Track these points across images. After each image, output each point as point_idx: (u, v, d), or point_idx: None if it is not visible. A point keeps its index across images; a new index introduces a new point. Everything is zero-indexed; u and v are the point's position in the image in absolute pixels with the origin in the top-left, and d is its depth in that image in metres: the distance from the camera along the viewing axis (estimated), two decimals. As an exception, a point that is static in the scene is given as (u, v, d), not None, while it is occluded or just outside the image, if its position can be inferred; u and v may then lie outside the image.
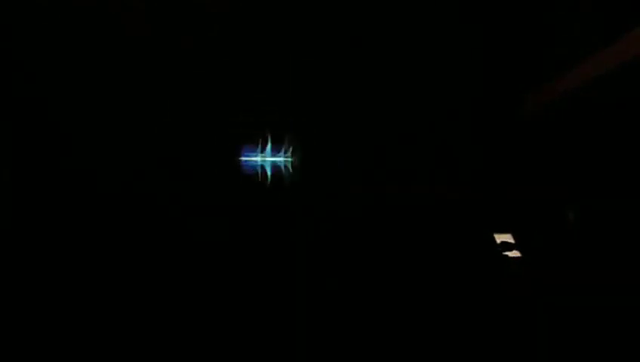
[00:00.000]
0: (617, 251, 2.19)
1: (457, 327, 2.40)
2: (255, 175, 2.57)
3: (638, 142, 2.21)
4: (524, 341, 2.27)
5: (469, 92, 2.67)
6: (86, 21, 2.36)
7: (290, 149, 2.56)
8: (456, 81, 2.66)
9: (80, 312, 2.29)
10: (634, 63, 1.87)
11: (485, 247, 2.54)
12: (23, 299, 2.26)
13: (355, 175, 2.56)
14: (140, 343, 2.30)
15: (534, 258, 2.47)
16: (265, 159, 2.55)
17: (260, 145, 2.57)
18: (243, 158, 2.56)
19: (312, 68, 2.56)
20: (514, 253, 2.50)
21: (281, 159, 2.55)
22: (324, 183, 2.54)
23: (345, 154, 2.56)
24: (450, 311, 2.44)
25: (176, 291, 2.39)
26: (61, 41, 2.36)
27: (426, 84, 2.63)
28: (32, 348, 2.21)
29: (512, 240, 2.53)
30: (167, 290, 2.39)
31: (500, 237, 2.53)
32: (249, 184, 2.56)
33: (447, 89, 2.65)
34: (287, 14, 2.51)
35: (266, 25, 2.51)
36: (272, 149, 2.56)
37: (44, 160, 2.35)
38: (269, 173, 2.55)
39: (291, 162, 2.56)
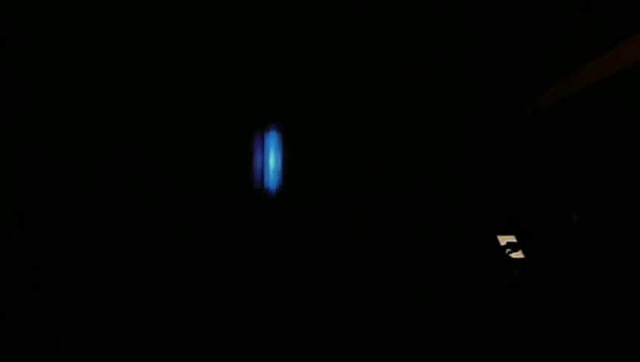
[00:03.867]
0: (618, 251, 2.19)
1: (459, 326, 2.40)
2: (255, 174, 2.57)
3: (638, 144, 2.22)
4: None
5: (471, 94, 2.67)
6: (86, 21, 2.36)
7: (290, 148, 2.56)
8: (459, 84, 2.67)
9: (80, 312, 2.28)
10: (634, 68, 1.88)
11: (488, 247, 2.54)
12: (23, 299, 2.25)
13: (361, 174, 2.56)
14: (138, 342, 2.28)
15: (537, 259, 2.47)
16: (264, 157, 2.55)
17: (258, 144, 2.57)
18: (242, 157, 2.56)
19: (319, 75, 2.56)
20: (517, 254, 2.51)
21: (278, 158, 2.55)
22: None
23: (350, 153, 2.57)
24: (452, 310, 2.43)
25: (176, 291, 2.38)
26: (62, 41, 2.35)
27: (428, 86, 2.64)
28: (31, 347, 2.19)
29: (515, 241, 2.54)
30: (166, 290, 2.38)
31: (504, 239, 2.54)
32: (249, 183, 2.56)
33: (449, 92, 2.66)
34: (292, 18, 2.51)
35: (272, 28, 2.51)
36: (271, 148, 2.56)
37: (45, 161, 2.34)
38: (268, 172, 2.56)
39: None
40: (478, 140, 2.67)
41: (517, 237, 2.55)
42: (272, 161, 2.56)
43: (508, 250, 2.50)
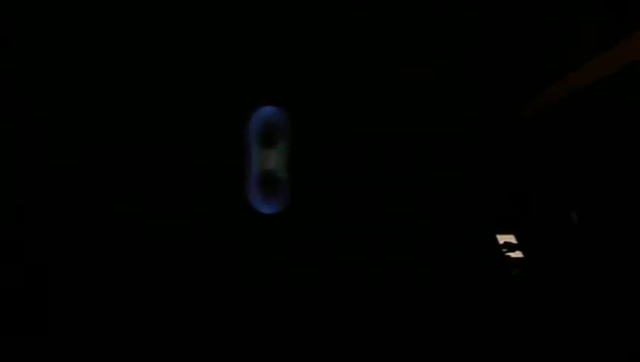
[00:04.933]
0: (618, 251, 2.19)
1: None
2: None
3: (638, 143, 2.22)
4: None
5: (471, 94, 2.67)
6: (87, 21, 2.36)
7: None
8: (458, 84, 2.67)
9: (80, 312, 2.28)
10: (634, 68, 1.88)
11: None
12: (23, 299, 2.25)
13: (360, 174, 2.56)
14: (138, 344, 2.28)
15: (537, 258, 2.47)
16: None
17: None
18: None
19: (319, 75, 2.56)
20: (516, 254, 2.51)
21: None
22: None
23: (349, 154, 2.57)
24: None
25: (174, 292, 2.38)
26: (62, 41, 2.36)
27: (428, 86, 2.64)
28: (32, 347, 2.20)
29: (514, 241, 2.54)
30: (166, 291, 2.38)
31: (502, 238, 2.54)
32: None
33: (449, 92, 2.66)
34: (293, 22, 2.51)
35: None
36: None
37: (45, 161, 2.35)
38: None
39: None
40: (478, 140, 2.67)
41: (516, 237, 2.55)
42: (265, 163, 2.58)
43: (504, 250, 2.50)
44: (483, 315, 2.45)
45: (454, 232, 2.58)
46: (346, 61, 2.59)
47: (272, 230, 2.52)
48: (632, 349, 2.02)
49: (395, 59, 2.63)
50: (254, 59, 2.53)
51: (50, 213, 2.33)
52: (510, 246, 2.54)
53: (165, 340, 2.30)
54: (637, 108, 2.04)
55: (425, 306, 2.47)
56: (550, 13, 2.44)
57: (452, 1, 2.62)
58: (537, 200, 2.61)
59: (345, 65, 2.59)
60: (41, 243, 2.31)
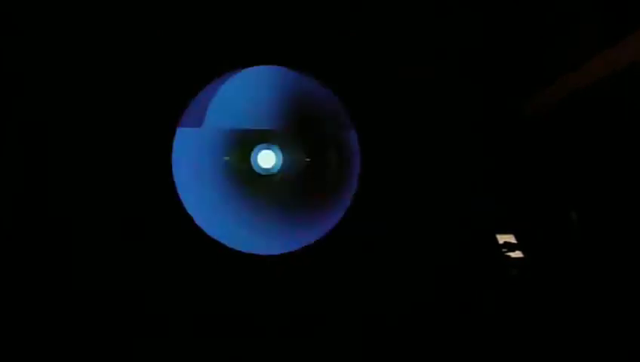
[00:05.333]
0: (618, 251, 2.19)
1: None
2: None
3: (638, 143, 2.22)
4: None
5: (471, 94, 2.67)
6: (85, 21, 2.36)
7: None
8: (458, 84, 2.66)
9: (81, 313, 2.29)
10: (633, 67, 1.88)
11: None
12: (23, 299, 2.25)
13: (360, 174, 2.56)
14: (139, 343, 2.29)
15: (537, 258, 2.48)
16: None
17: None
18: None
19: (319, 75, 2.56)
20: (516, 254, 2.51)
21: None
22: None
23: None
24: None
25: (175, 292, 2.38)
26: (62, 41, 2.36)
27: (428, 86, 2.64)
28: (31, 347, 2.20)
29: (514, 241, 2.54)
30: (167, 291, 2.38)
31: (502, 238, 2.54)
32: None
33: (449, 92, 2.66)
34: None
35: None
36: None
37: (45, 161, 2.35)
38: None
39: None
40: (478, 140, 2.67)
41: (516, 237, 2.56)
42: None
43: (504, 250, 2.50)
44: (482, 315, 2.45)
45: (454, 232, 2.58)
46: (345, 61, 2.58)
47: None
48: (632, 349, 2.02)
49: (395, 59, 2.62)
50: (255, 60, 2.53)
51: (50, 213, 2.33)
52: (510, 246, 2.54)
53: (166, 339, 2.30)
54: (637, 108, 2.04)
55: (424, 306, 2.47)
56: (550, 13, 2.45)
57: (452, 1, 2.62)
58: (537, 200, 2.61)
59: (345, 65, 2.58)
60: (41, 243, 2.31)
